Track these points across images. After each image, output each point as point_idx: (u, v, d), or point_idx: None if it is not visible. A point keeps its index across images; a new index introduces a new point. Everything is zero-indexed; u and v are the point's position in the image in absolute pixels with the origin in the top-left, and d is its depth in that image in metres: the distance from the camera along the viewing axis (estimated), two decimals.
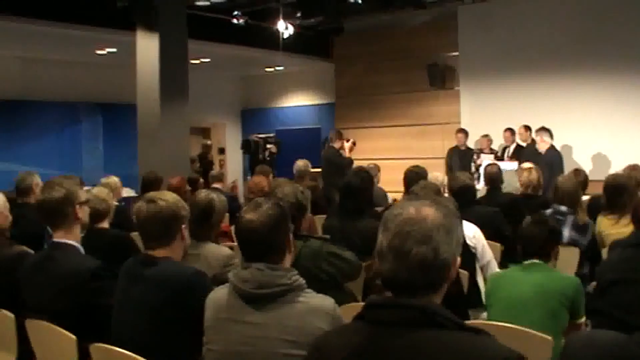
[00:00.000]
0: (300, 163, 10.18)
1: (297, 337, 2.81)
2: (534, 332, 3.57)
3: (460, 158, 13.33)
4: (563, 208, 6.19)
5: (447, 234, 2.13)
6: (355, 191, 5.88)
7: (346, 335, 2.24)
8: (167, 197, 3.76)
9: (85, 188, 5.87)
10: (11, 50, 14.74)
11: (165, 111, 11.53)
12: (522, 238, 4.36)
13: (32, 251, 4.95)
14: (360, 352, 2.14)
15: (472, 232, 5.51)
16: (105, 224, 5.65)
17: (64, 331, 3.64)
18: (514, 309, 4.02)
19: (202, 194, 4.91)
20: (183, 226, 3.77)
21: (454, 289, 2.91)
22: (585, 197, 6.93)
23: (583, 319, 4.09)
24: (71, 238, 4.15)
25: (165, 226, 3.67)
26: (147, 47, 11.57)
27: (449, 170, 12.82)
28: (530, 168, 7.69)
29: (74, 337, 3.58)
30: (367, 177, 6.11)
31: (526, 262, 4.26)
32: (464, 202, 5.99)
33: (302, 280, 2.96)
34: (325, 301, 2.92)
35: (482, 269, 5.57)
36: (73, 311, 3.81)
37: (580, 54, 13.10)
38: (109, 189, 6.20)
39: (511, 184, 8.97)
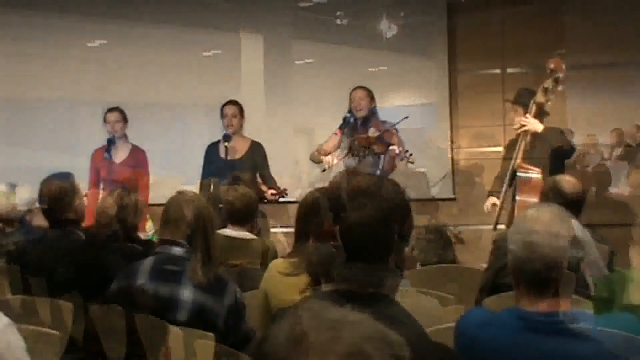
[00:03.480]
0: None
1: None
2: None
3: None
4: None
5: (557, 237, 2.10)
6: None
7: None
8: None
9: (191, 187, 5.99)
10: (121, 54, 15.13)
11: (269, 112, 11.65)
12: None
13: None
14: None
15: (578, 232, 5.38)
16: None
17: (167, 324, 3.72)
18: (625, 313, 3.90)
19: (307, 192, 4.95)
20: None
21: None
22: None
23: None
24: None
25: None
26: (252, 48, 11.70)
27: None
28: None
29: (180, 332, 3.65)
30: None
31: None
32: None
33: (406, 281, 2.95)
34: (428, 302, 2.91)
35: (586, 269, 5.43)
36: None
37: None
38: None
39: None
